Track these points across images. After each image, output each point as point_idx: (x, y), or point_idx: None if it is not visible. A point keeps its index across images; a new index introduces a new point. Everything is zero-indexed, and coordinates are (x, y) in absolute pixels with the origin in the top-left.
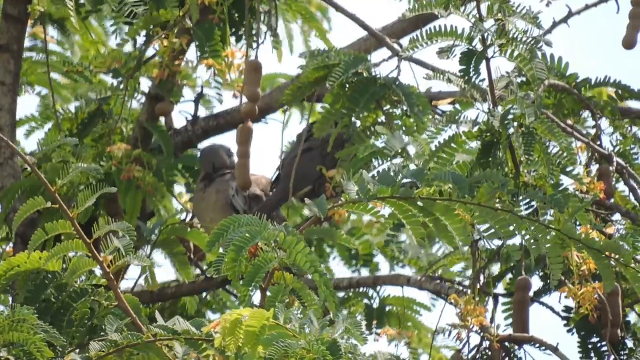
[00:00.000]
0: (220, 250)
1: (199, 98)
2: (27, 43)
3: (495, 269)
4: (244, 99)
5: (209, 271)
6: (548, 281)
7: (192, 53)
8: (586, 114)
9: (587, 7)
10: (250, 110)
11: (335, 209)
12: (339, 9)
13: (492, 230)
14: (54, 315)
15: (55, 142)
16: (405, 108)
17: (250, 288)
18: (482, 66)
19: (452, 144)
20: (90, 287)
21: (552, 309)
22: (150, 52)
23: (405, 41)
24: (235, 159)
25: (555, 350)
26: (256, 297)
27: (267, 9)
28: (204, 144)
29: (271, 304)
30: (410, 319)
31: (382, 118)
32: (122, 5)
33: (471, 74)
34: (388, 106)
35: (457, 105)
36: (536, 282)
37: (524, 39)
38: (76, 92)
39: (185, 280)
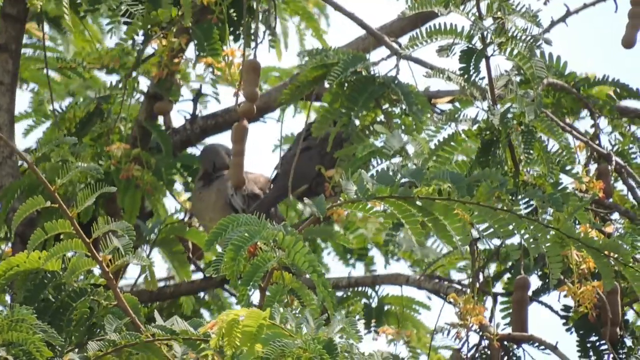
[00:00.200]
0: (219, 249)
1: (198, 97)
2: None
3: (494, 268)
4: (242, 98)
5: (207, 270)
6: (547, 280)
7: (191, 53)
8: (584, 113)
9: (585, 6)
10: (248, 110)
11: (334, 209)
12: (337, 7)
13: (491, 229)
14: (53, 314)
15: (54, 141)
16: (404, 107)
17: (249, 287)
18: (482, 64)
19: (452, 143)
20: (90, 286)
21: (551, 308)
22: (148, 51)
23: (404, 40)
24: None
25: (554, 349)
26: (255, 296)
27: (266, 8)
28: (202, 143)
29: (270, 303)
30: (409, 318)
31: (381, 117)
32: (119, 4)
33: (471, 72)
34: (387, 105)
35: (457, 104)
36: (535, 281)
37: (523, 37)
38: (68, 88)
39: (185, 279)
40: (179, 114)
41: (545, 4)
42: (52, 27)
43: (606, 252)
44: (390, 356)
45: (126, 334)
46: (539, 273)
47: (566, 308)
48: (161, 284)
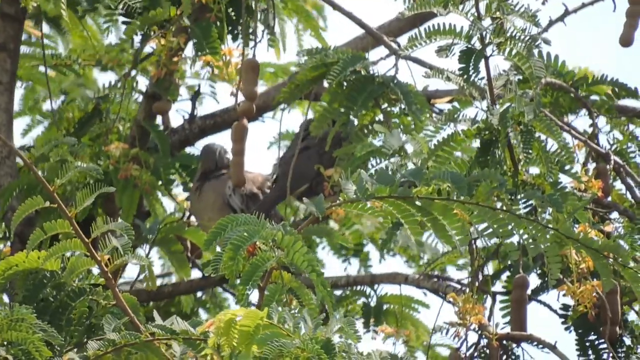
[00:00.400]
0: (218, 249)
1: (196, 97)
2: None
3: (493, 267)
4: (241, 98)
5: (206, 270)
6: (546, 279)
7: (189, 52)
8: (583, 112)
9: (583, 5)
10: (247, 109)
11: (333, 208)
12: (336, 7)
13: (491, 229)
14: (52, 314)
15: (54, 141)
16: (403, 106)
17: (248, 287)
18: (481, 64)
19: (451, 143)
20: (89, 286)
21: (550, 307)
22: (147, 50)
23: (402, 40)
24: (230, 156)
25: (553, 348)
26: (254, 296)
27: (264, 8)
28: (201, 143)
29: (269, 303)
30: (408, 317)
31: (380, 116)
32: (117, 3)
33: (470, 73)
34: (386, 104)
35: (456, 104)
36: (534, 280)
37: (522, 37)
38: (60, 86)
39: (184, 278)
40: (177, 114)
41: (543, 3)
42: (52, 27)
43: (605, 253)
44: (389, 356)
45: (126, 333)
46: (538, 272)
47: (565, 307)
48: (159, 281)
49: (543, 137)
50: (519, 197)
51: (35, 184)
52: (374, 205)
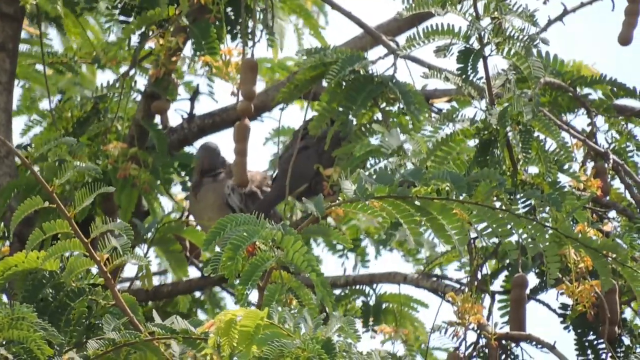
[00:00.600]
0: (217, 249)
1: (195, 96)
2: None
3: (490, 266)
4: (240, 97)
5: (206, 270)
6: (545, 278)
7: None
8: (581, 111)
9: (582, 4)
10: (246, 108)
11: (333, 208)
12: (334, 6)
13: (490, 229)
14: (52, 314)
15: (53, 141)
16: (401, 106)
17: (247, 287)
18: (479, 64)
19: (450, 142)
20: (88, 286)
21: (549, 306)
22: (145, 48)
23: (401, 39)
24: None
25: (552, 348)
26: (254, 296)
27: (263, 7)
28: (199, 142)
29: (268, 303)
30: (407, 316)
31: (379, 116)
32: (116, 2)
33: (469, 72)
34: (384, 104)
35: (455, 104)
36: (533, 280)
37: (520, 37)
38: (57, 85)
39: (182, 278)
40: (176, 113)
41: (545, 3)
42: (53, 26)
43: (604, 252)
44: (388, 355)
45: (125, 332)
46: (537, 271)
47: (564, 306)
48: (156, 280)
49: (542, 136)
50: (518, 196)
51: (34, 183)
52: (373, 205)
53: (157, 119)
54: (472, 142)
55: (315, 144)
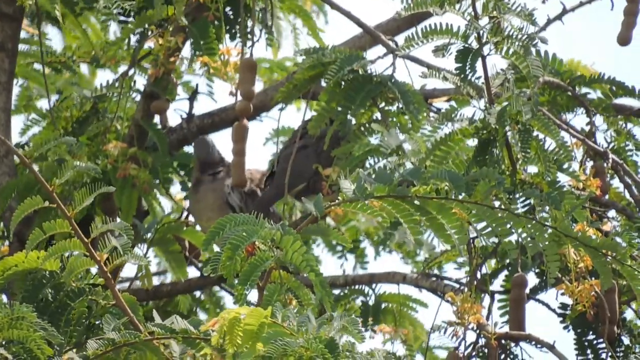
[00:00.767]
0: (216, 249)
1: (194, 96)
2: None
3: (490, 266)
4: (239, 97)
5: (205, 270)
6: (544, 278)
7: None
8: (580, 110)
9: (581, 3)
10: (245, 108)
11: (332, 208)
12: (334, 6)
13: (490, 228)
14: (51, 314)
15: (53, 140)
16: (400, 105)
17: (247, 287)
18: (478, 64)
19: (449, 142)
20: (88, 286)
21: (548, 306)
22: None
23: (399, 39)
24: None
25: (551, 347)
26: (253, 296)
27: (262, 7)
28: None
29: (268, 302)
30: (407, 316)
31: (378, 115)
32: (114, 2)
33: (467, 72)
34: (383, 103)
35: (453, 103)
36: (532, 279)
37: (519, 36)
38: (54, 85)
39: (182, 278)
40: (175, 113)
41: (543, 2)
42: (54, 25)
43: (604, 251)
44: (391, 355)
45: (125, 332)
46: (536, 271)
47: (564, 306)
48: (156, 280)
49: (541, 135)
50: (517, 196)
51: (34, 183)
52: (373, 204)
53: (157, 118)
54: (471, 142)
55: (314, 143)
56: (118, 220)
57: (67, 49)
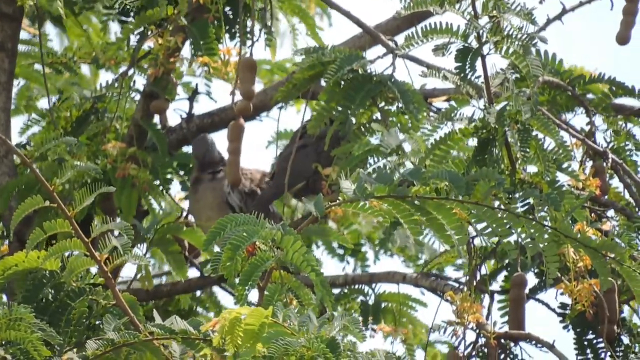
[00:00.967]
0: (217, 249)
1: (194, 96)
2: None
3: (490, 266)
4: (238, 97)
5: (206, 270)
6: (544, 278)
7: (187, 51)
8: (580, 110)
9: (581, 3)
10: (244, 108)
11: (332, 208)
12: (333, 6)
13: (490, 229)
14: (52, 314)
15: (53, 141)
16: (400, 105)
17: (247, 287)
18: (478, 63)
19: (448, 142)
20: (88, 286)
21: (548, 305)
22: (144, 48)
23: (400, 38)
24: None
25: (551, 347)
26: (254, 296)
27: (262, 7)
28: None
29: (269, 303)
30: (406, 315)
31: (378, 115)
32: (115, 2)
33: (467, 71)
34: (383, 103)
35: (453, 103)
36: (532, 279)
37: (518, 35)
38: (54, 86)
39: (181, 278)
40: (175, 113)
41: (541, 2)
42: (55, 26)
43: (603, 252)
44: (393, 355)
45: (125, 332)
46: (536, 271)
47: (563, 306)
48: (156, 280)
49: (541, 135)
50: (516, 195)
51: (33, 183)
52: (373, 204)
53: (156, 118)
54: (471, 141)
55: (314, 143)
56: (118, 220)
57: (67, 49)
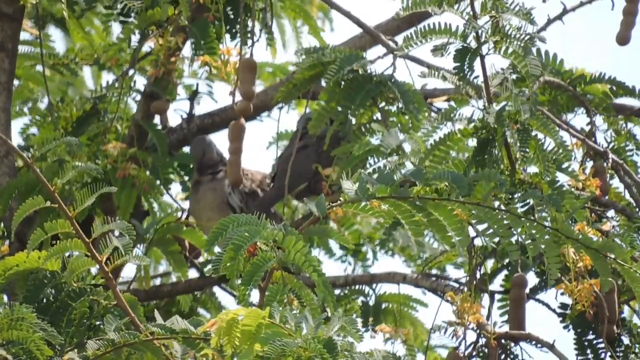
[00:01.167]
0: (218, 249)
1: (194, 96)
2: None
3: (490, 266)
4: (239, 97)
5: (207, 270)
6: (544, 278)
7: (187, 51)
8: (580, 110)
9: (582, 3)
10: (245, 108)
11: (333, 208)
12: (334, 6)
13: (491, 230)
14: (53, 314)
15: (54, 141)
16: (400, 105)
17: (249, 287)
18: (477, 63)
19: (448, 142)
20: (89, 286)
21: (548, 305)
22: (145, 49)
23: (400, 39)
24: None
25: (551, 347)
26: (255, 296)
27: (263, 7)
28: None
29: (270, 303)
30: (407, 316)
31: (378, 115)
32: (116, 2)
33: (466, 71)
34: (384, 103)
35: (452, 103)
36: (532, 279)
37: (517, 35)
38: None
39: (182, 278)
40: (175, 113)
41: (544, 1)
42: (58, 27)
43: (605, 253)
44: (390, 355)
45: (125, 333)
46: (537, 271)
47: (564, 306)
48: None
49: (540, 135)
50: (516, 196)
51: (34, 183)
52: (373, 205)
53: (157, 119)
54: (471, 142)
55: (314, 143)
56: (119, 220)
57: (69, 51)
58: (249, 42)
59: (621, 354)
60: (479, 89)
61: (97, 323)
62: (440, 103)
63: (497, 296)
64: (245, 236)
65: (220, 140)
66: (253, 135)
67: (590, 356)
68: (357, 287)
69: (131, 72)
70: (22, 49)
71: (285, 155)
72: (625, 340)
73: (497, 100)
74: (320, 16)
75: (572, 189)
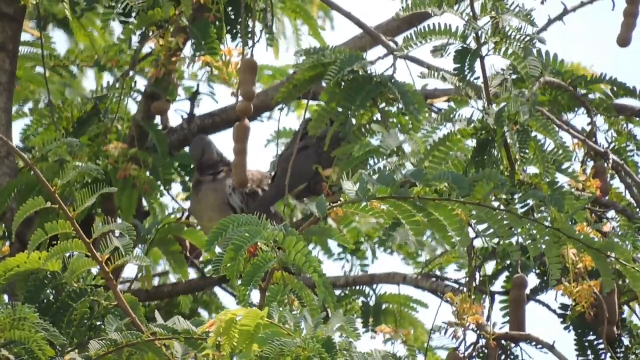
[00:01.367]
0: (219, 249)
1: (195, 96)
2: None
3: (490, 266)
4: (240, 97)
5: (207, 271)
6: (544, 278)
7: (188, 52)
8: (581, 110)
9: (582, 4)
10: (245, 108)
11: (334, 208)
12: (334, 7)
13: (492, 230)
14: (53, 315)
15: (55, 141)
16: (401, 106)
17: (249, 287)
18: (477, 64)
19: (447, 142)
20: (90, 287)
21: (548, 306)
22: (145, 49)
23: (400, 39)
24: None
25: (551, 348)
26: (255, 297)
27: (263, 7)
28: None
29: (270, 303)
30: (407, 316)
31: (378, 116)
32: (117, 1)
33: (465, 72)
34: (384, 104)
35: (452, 104)
36: (532, 280)
37: (517, 36)
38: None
39: (182, 279)
40: (176, 114)
41: (542, 3)
42: (60, 28)
43: (607, 253)
44: (390, 355)
45: (127, 333)
46: (537, 272)
47: (564, 307)
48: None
49: (540, 136)
50: (517, 196)
51: (34, 183)
52: (374, 205)
53: (157, 119)
54: (470, 142)
55: (314, 144)
56: (119, 220)
57: (70, 52)
58: (250, 42)
59: (621, 355)
60: (478, 89)
61: (98, 323)
62: (440, 103)
63: (498, 297)
64: (245, 236)
65: (221, 140)
66: (253, 135)
67: (590, 357)
68: (357, 287)
69: (132, 72)
70: (22, 50)
71: (286, 155)
72: (626, 341)
73: (497, 101)
74: (320, 15)
75: (572, 190)
